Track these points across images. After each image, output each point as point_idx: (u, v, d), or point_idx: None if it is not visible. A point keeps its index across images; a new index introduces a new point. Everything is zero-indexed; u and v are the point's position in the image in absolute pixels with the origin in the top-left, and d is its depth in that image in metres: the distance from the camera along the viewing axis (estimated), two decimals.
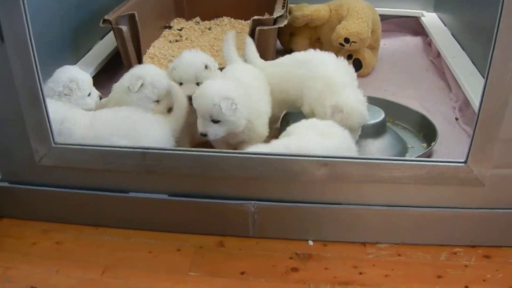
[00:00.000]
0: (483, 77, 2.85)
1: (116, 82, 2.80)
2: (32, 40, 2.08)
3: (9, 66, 2.13)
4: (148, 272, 2.18)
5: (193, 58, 2.74)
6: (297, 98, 2.74)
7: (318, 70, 2.68)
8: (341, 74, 2.66)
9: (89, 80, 2.72)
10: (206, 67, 2.69)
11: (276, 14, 3.09)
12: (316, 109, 2.60)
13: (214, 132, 2.42)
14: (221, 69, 2.84)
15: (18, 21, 2.04)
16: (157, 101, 2.63)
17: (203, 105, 2.39)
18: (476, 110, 2.59)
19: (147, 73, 2.61)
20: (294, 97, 2.76)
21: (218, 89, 2.41)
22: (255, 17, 3.06)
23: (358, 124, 2.52)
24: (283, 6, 3.26)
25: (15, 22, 2.05)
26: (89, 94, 2.69)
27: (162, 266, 2.21)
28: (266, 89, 2.76)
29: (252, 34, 3.05)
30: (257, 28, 3.02)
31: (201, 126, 2.43)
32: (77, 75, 2.65)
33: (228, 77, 2.67)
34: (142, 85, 2.58)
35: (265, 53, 3.09)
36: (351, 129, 2.47)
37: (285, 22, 3.10)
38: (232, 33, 2.99)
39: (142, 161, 2.24)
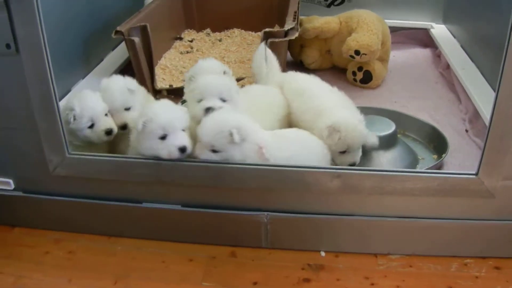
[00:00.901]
0: (493, 89, 2.88)
1: None
2: (48, 51, 2.10)
3: (23, 76, 2.15)
4: (161, 282, 2.19)
5: (212, 66, 2.68)
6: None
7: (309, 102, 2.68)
8: (332, 98, 2.67)
9: (95, 110, 2.49)
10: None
11: (287, 26, 3.09)
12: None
13: (208, 157, 2.28)
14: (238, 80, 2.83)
15: (33, 32, 2.06)
16: None
17: (208, 135, 2.27)
18: (486, 122, 2.62)
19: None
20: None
21: (226, 121, 2.28)
22: (267, 29, 3.07)
23: (357, 143, 2.48)
24: (294, 19, 3.26)
25: (30, 33, 2.07)
26: (91, 126, 2.48)
27: (174, 276, 2.22)
28: (279, 113, 2.75)
29: None
30: (269, 40, 3.02)
31: (198, 150, 2.29)
32: (76, 103, 2.47)
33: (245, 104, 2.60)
34: None
35: None
36: (350, 149, 2.46)
37: (296, 35, 3.10)
38: (265, 48, 3.02)
39: (156, 171, 2.25)
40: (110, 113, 2.56)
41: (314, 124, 2.54)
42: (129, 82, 2.68)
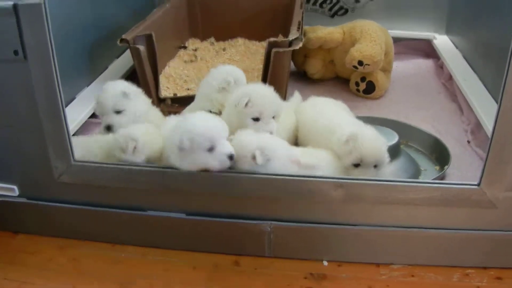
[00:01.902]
0: (495, 100, 2.89)
1: None
2: (55, 59, 2.12)
3: (31, 83, 2.16)
4: None
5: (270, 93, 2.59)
6: None
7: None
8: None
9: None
10: None
11: (291, 36, 3.10)
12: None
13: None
14: None
15: (41, 39, 2.08)
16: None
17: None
18: (488, 133, 2.63)
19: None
20: None
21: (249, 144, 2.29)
22: (271, 39, 3.07)
23: (372, 160, 2.37)
24: (298, 28, 3.27)
25: (38, 40, 2.08)
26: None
27: (177, 284, 2.23)
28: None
29: (267, 56, 3.06)
30: (273, 50, 3.04)
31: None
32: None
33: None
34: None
35: (280, 75, 3.12)
36: (364, 164, 2.37)
37: (300, 45, 3.10)
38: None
39: (161, 179, 2.27)
40: (101, 114, 2.68)
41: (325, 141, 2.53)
42: (127, 87, 2.74)
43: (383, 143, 2.41)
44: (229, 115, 2.56)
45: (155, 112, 2.89)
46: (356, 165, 2.38)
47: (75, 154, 2.33)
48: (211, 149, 2.18)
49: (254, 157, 2.21)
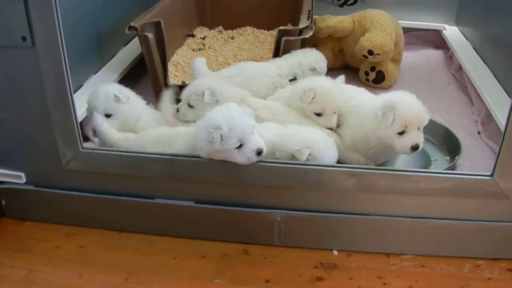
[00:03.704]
0: (505, 91, 2.86)
1: (139, 88, 2.83)
2: (64, 45, 2.11)
3: (39, 70, 2.15)
4: (172, 278, 2.19)
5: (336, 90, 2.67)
6: None
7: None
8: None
9: None
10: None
11: (301, 25, 3.08)
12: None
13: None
14: None
15: (49, 25, 2.07)
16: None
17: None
18: (499, 124, 2.61)
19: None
20: None
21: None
22: (281, 28, 3.06)
23: (416, 121, 2.32)
24: (308, 17, 3.25)
25: (46, 26, 2.07)
26: None
27: (186, 272, 2.22)
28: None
29: (277, 45, 3.04)
30: (283, 39, 3.02)
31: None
32: None
33: None
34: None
35: None
36: (410, 128, 2.31)
37: (310, 33, 3.09)
38: None
39: (170, 167, 2.25)
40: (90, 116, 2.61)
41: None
42: (119, 90, 2.69)
43: (420, 103, 2.36)
44: (289, 101, 2.69)
45: (151, 116, 2.82)
46: (401, 133, 2.33)
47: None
48: (239, 147, 2.17)
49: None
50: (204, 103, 2.62)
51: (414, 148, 2.32)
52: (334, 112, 2.59)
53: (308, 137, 2.31)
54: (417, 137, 2.33)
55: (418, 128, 2.34)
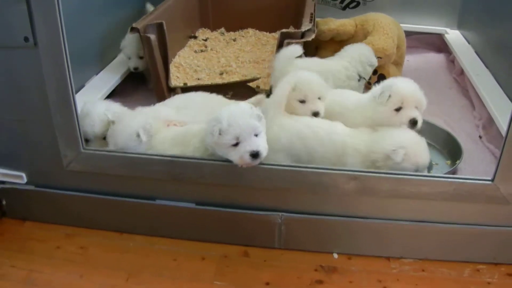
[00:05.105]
0: (507, 96, 2.86)
1: (140, 90, 2.82)
2: (66, 46, 2.10)
3: (41, 70, 2.15)
4: (172, 279, 2.19)
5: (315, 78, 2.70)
6: None
7: None
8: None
9: None
10: None
11: (304, 27, 3.08)
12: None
13: None
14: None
15: (52, 26, 2.07)
16: None
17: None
18: (500, 128, 2.61)
19: None
20: None
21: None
22: (284, 30, 3.06)
23: (413, 100, 2.47)
24: (311, 20, 3.25)
25: (49, 27, 2.07)
26: None
27: (186, 274, 2.22)
28: None
29: (279, 47, 3.04)
30: (285, 41, 3.02)
31: None
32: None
33: None
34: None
35: None
36: (406, 105, 2.44)
37: (313, 36, 3.09)
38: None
39: (170, 169, 2.25)
40: (86, 138, 2.51)
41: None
42: (112, 109, 2.60)
43: (417, 85, 2.53)
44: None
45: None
46: (398, 109, 2.43)
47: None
48: (236, 145, 2.16)
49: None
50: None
51: (412, 122, 2.43)
52: (319, 98, 2.61)
53: (402, 137, 2.32)
54: (414, 112, 2.45)
55: (416, 108, 2.46)
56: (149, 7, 3.95)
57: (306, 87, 2.58)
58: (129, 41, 3.48)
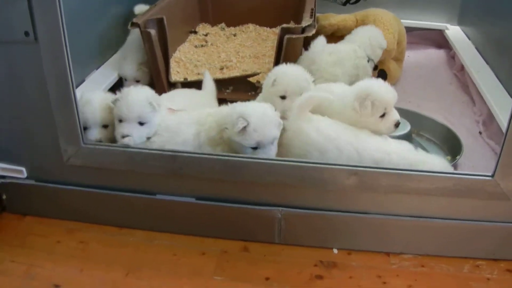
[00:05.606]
0: (507, 92, 2.86)
1: (141, 84, 2.83)
2: (67, 41, 2.10)
3: (41, 65, 2.15)
4: (172, 275, 2.19)
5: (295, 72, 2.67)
6: None
7: None
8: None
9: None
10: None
11: (304, 23, 3.07)
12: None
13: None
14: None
15: (52, 20, 2.07)
16: None
17: None
18: (500, 124, 2.61)
19: None
20: None
21: None
22: (284, 25, 3.06)
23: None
24: (311, 15, 3.25)
25: (49, 21, 2.07)
26: None
27: (186, 269, 2.22)
28: None
29: (280, 42, 3.04)
30: (286, 37, 3.01)
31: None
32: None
33: None
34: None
35: (292, 61, 3.08)
36: (389, 109, 2.44)
37: (313, 31, 3.08)
38: None
39: (171, 163, 2.25)
40: (85, 126, 2.48)
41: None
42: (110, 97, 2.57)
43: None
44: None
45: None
46: (382, 116, 2.43)
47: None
48: (254, 148, 2.25)
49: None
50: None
51: (397, 124, 2.45)
52: (301, 94, 2.53)
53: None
54: (395, 114, 2.46)
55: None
56: (137, 9, 3.86)
57: (285, 82, 2.56)
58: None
